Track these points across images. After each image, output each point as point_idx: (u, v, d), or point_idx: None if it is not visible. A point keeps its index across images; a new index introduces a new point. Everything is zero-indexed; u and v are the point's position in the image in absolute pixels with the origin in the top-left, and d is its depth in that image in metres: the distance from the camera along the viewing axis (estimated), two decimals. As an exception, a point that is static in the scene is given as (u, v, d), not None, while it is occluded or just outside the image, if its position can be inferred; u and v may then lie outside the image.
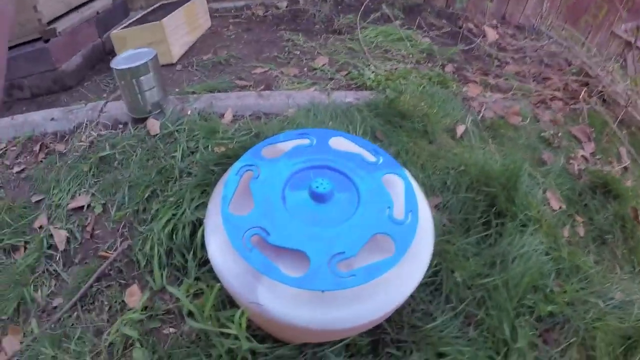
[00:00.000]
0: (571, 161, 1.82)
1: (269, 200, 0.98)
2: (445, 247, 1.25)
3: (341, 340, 1.08)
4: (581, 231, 1.65)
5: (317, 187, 0.96)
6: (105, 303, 1.38)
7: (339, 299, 0.89)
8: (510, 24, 2.50)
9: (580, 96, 2.03)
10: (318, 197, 0.97)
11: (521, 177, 1.42)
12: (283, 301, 0.89)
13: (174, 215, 1.32)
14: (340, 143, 1.14)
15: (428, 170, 1.45)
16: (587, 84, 2.14)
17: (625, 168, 2.01)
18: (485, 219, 1.35)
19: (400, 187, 1.03)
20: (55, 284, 1.49)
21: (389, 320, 1.14)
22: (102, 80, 2.21)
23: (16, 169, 1.85)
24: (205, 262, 1.26)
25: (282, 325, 0.91)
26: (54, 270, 1.51)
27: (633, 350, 1.37)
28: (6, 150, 1.94)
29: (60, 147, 1.86)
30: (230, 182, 1.03)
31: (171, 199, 1.38)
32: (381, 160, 1.08)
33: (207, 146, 1.50)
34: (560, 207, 1.63)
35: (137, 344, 1.25)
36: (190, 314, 1.21)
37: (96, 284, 1.42)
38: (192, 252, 1.27)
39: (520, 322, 1.25)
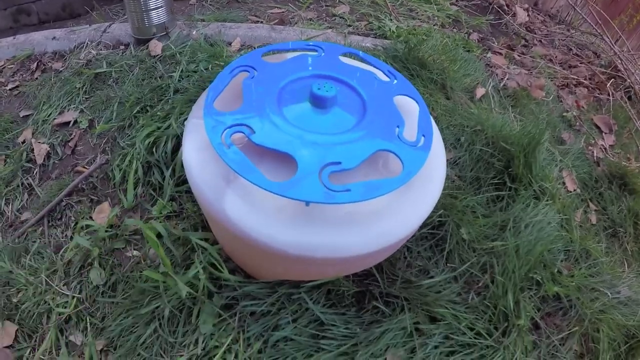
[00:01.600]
0: (590, 148, 1.60)
1: (261, 99, 0.77)
2: (451, 202, 1.04)
3: (322, 285, 0.87)
4: (593, 218, 1.44)
5: (318, 89, 0.75)
6: (72, 219, 1.19)
7: (325, 219, 0.68)
8: (542, 11, 2.26)
9: (607, 86, 1.80)
10: (319, 101, 0.76)
11: (541, 145, 1.20)
12: (256, 213, 0.68)
13: (158, 128, 1.12)
14: (352, 61, 0.93)
15: (442, 124, 1.24)
16: (614, 78, 1.91)
17: (642, 167, 1.78)
18: (498, 180, 1.14)
19: (414, 112, 0.82)
20: (27, 199, 1.31)
21: (380, 269, 0.93)
22: (113, 9, 2.00)
23: (10, 85, 1.67)
24: (183, 181, 1.05)
25: (253, 246, 0.70)
26: (28, 184, 1.32)
27: (636, 350, 1.17)
28: (3, 68, 1.75)
29: (58, 65, 1.66)
30: (220, 79, 0.82)
31: (159, 113, 1.17)
32: (395, 82, 0.87)
33: (208, 68, 1.29)
34: (574, 190, 1.42)
35: (96, 264, 1.06)
36: (160, 236, 1.01)
37: (67, 198, 1.22)
38: (171, 169, 1.07)
39: (525, 298, 1.04)
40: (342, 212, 0.68)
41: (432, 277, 0.95)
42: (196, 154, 0.77)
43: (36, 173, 1.34)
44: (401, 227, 0.71)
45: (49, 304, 1.04)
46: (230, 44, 1.44)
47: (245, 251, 0.80)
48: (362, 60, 0.94)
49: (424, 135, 0.77)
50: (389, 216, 0.70)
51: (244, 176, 0.65)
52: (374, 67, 0.91)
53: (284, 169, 0.69)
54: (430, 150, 0.74)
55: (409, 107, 0.85)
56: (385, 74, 0.89)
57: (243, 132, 0.71)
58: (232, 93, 0.83)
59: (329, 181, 0.65)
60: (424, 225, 0.98)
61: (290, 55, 0.91)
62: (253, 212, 0.69)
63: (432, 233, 0.99)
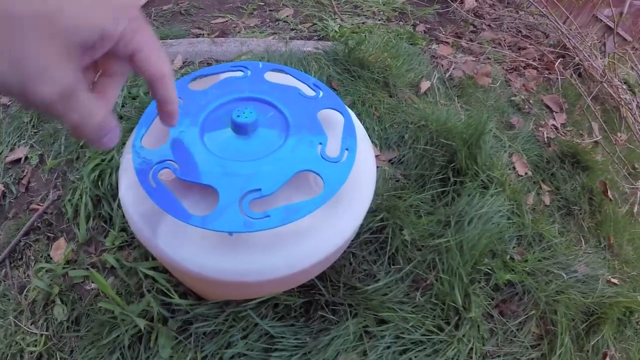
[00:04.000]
0: (540, 129, 1.66)
1: (186, 132, 0.79)
2: (395, 203, 1.09)
3: (269, 300, 0.91)
4: (547, 199, 1.50)
5: (238, 116, 0.78)
6: (32, 258, 1.21)
7: (251, 245, 0.71)
8: (490, -6, 2.31)
9: (555, 66, 1.86)
10: (239, 129, 0.79)
11: (485, 135, 1.24)
12: (187, 245, 0.72)
13: (102, 160, 1.14)
14: (278, 77, 0.96)
15: (385, 123, 1.28)
16: (563, 57, 1.96)
17: (596, 143, 1.85)
18: (443, 176, 1.19)
19: (340, 125, 0.85)
20: (-13, 242, 1.31)
21: (324, 279, 0.97)
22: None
23: (-39, 124, 1.65)
24: (130, 211, 1.08)
25: (190, 275, 0.74)
26: (-13, 227, 1.32)
27: (596, 327, 1.23)
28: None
29: (5, 99, 1.66)
30: (147, 115, 0.85)
31: (103, 144, 1.19)
32: (321, 95, 0.90)
33: (147, 92, 1.31)
34: (526, 173, 1.47)
35: (58, 301, 1.09)
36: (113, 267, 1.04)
37: (25, 238, 1.24)
38: (117, 201, 1.09)
39: (475, 290, 1.09)
40: (267, 235, 0.72)
41: (378, 280, 1.00)
42: (130, 192, 0.80)
43: (-6, 214, 1.35)
44: (327, 243, 0.74)
45: (20, 344, 1.08)
46: (172, 62, 1.46)
47: (187, 278, 0.83)
48: (289, 74, 0.96)
49: (347, 149, 0.80)
50: (314, 234, 0.74)
51: (168, 212, 0.68)
52: (300, 81, 0.94)
53: (210, 199, 0.73)
54: (353, 165, 0.78)
55: (337, 119, 0.88)
56: (310, 88, 0.92)
57: (169, 168, 0.74)
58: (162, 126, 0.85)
59: (249, 209, 0.68)
60: (367, 230, 1.02)
61: (218, 77, 0.93)
62: (184, 244, 0.72)
63: (376, 237, 1.03)
